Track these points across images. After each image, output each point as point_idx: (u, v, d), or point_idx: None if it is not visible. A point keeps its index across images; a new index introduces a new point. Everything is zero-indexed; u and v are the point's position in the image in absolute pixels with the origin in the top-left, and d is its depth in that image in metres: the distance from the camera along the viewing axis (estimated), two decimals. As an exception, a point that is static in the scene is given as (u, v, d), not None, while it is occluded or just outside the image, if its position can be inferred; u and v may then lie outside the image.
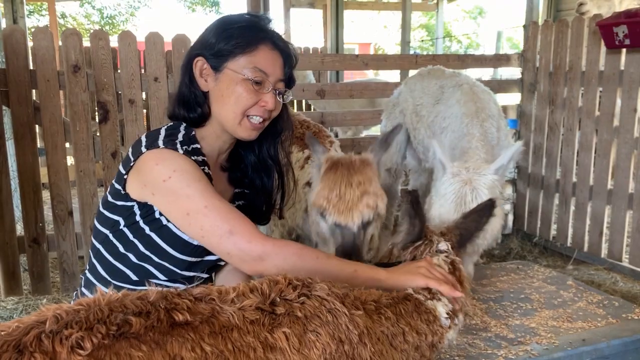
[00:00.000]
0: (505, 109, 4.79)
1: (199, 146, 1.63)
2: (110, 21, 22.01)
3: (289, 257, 1.39)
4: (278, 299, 1.09)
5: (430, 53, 11.75)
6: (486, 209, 1.64)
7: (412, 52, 10.63)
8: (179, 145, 1.54)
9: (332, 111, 5.15)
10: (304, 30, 17.85)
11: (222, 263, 1.72)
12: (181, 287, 1.59)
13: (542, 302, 2.39)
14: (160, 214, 1.54)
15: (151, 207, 1.54)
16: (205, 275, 1.73)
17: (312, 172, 2.36)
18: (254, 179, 1.81)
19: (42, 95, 3.26)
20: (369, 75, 10.50)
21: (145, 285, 1.55)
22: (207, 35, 1.63)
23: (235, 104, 1.58)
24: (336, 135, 4.84)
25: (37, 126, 3.35)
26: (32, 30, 3.36)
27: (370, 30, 26.00)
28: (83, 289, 1.69)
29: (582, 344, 2.00)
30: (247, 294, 1.08)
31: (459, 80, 3.38)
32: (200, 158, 1.60)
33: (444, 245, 1.54)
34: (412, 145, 3.73)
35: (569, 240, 4.11)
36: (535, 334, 2.10)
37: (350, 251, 1.95)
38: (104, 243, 1.62)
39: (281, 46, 1.64)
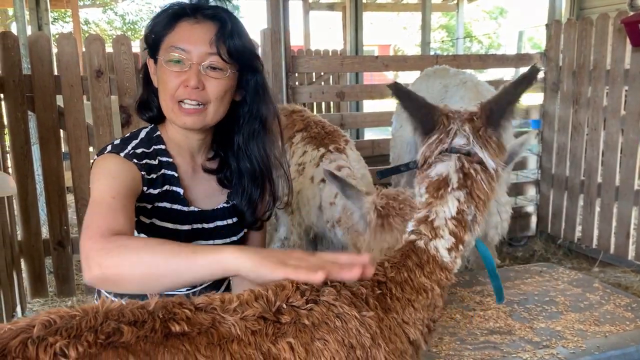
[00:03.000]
0: (528, 109, 4.73)
1: (163, 147, 1.54)
2: (132, 27, 22.31)
3: (113, 249, 1.15)
4: (284, 306, 1.03)
5: (450, 54, 11.66)
6: (526, 75, 1.30)
7: (432, 53, 10.57)
8: (129, 147, 1.46)
9: (352, 113, 5.15)
10: (324, 33, 17.87)
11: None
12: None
13: (568, 305, 2.35)
14: (139, 215, 1.46)
15: None
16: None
17: (356, 217, 2.18)
18: (237, 185, 1.63)
19: (66, 101, 3.32)
20: (388, 77, 10.46)
21: None
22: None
23: (163, 91, 1.45)
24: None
25: (61, 131, 3.41)
26: (57, 36, 3.42)
27: (389, 32, 25.94)
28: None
29: (610, 348, 1.96)
30: (251, 303, 1.02)
31: (462, 78, 3.35)
32: (156, 161, 1.50)
33: (460, 140, 1.27)
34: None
35: (595, 242, 4.04)
36: (561, 337, 2.06)
37: None
38: None
39: (208, 14, 1.44)
